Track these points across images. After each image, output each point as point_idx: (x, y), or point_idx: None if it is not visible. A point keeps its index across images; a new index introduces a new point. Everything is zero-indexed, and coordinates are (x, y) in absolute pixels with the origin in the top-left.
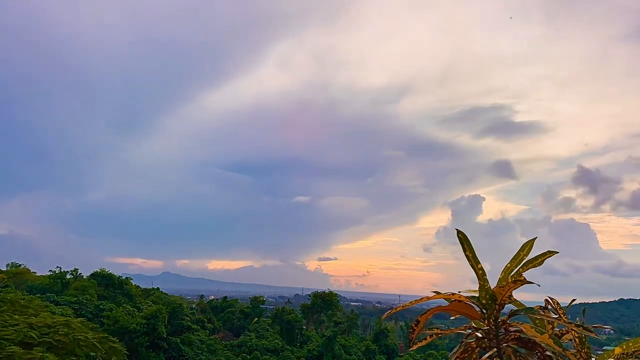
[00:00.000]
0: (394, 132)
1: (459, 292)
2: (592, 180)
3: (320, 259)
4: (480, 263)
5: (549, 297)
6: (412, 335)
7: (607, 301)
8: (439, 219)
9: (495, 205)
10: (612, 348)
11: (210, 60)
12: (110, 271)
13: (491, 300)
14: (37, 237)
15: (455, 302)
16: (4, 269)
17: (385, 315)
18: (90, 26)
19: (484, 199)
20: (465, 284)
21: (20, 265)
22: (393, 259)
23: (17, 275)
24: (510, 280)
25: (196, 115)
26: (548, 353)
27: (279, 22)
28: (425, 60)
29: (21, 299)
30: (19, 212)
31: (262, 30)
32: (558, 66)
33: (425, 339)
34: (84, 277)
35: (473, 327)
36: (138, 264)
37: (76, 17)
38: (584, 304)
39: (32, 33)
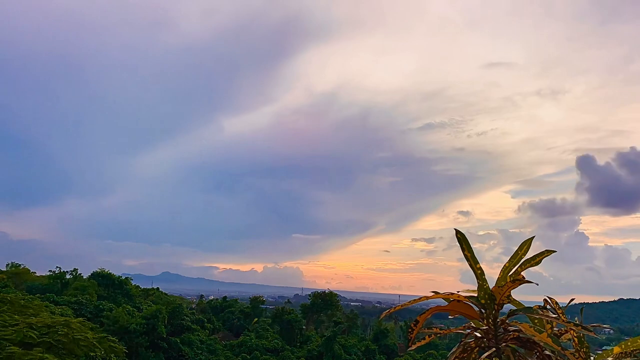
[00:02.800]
0: (395, 143)
1: (458, 291)
2: None
3: (319, 261)
4: (479, 263)
5: (548, 297)
6: (411, 335)
7: (606, 301)
8: (433, 223)
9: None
10: (611, 348)
11: (226, 87)
12: (110, 271)
13: (490, 300)
14: (59, 241)
15: (454, 302)
16: (4, 269)
17: (383, 315)
18: (117, 51)
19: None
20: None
21: (20, 265)
22: (391, 260)
23: (16, 275)
24: (508, 280)
25: (201, 133)
26: (547, 352)
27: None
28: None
29: (21, 299)
30: (44, 219)
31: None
32: None
33: (424, 338)
34: (84, 277)
35: (472, 326)
36: (138, 264)
37: (105, 43)
38: (583, 303)
39: (63, 59)
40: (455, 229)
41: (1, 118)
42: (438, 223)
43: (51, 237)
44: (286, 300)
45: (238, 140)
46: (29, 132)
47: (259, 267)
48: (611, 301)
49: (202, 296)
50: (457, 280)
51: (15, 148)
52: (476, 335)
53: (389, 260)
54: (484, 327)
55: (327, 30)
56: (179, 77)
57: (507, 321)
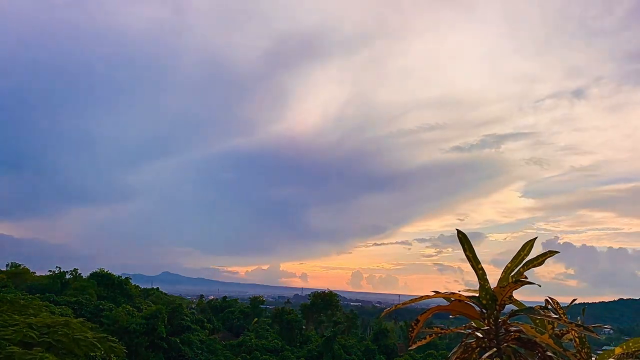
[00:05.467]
0: (402, 149)
1: (459, 291)
2: None
3: (319, 262)
4: (480, 263)
5: (549, 297)
6: (412, 335)
7: (607, 301)
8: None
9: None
10: (611, 348)
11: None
12: (110, 271)
13: (491, 300)
14: (66, 243)
15: (456, 302)
16: (4, 269)
17: (384, 313)
18: (144, 56)
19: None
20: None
21: (20, 265)
22: (392, 260)
23: (16, 275)
24: (510, 281)
25: (206, 144)
26: (548, 353)
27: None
28: None
29: (21, 299)
30: (58, 225)
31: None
32: None
33: (425, 338)
34: (83, 277)
35: (473, 326)
36: (138, 264)
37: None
38: (584, 304)
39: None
40: (457, 230)
41: (26, 138)
42: (442, 225)
43: (61, 240)
44: (286, 300)
45: (242, 150)
46: (50, 150)
47: (259, 268)
48: (611, 301)
49: (202, 296)
50: (454, 281)
51: (36, 164)
52: (477, 336)
53: (390, 261)
54: (485, 328)
55: (332, 50)
56: (186, 97)
57: (508, 321)
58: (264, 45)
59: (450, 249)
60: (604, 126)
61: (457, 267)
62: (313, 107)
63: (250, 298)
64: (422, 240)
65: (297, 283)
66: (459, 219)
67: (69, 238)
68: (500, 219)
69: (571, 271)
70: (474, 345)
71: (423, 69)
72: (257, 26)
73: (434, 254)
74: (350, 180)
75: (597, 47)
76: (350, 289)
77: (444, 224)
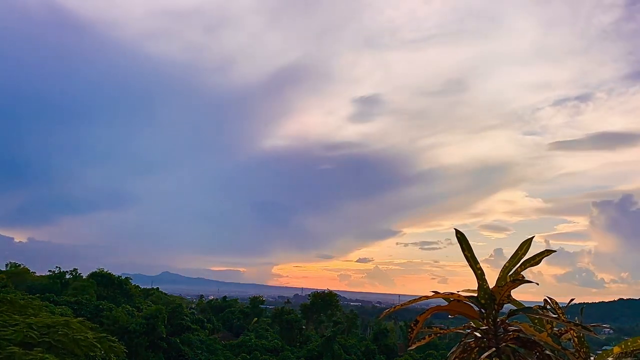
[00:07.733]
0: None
1: (458, 291)
2: None
3: (320, 263)
4: (478, 263)
5: (548, 297)
6: (411, 335)
7: (606, 301)
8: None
9: None
10: (611, 348)
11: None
12: (110, 271)
13: (490, 299)
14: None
15: (454, 302)
16: (4, 269)
17: (383, 314)
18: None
19: None
20: None
21: (19, 265)
22: (392, 261)
23: (16, 275)
24: (508, 280)
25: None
26: (547, 352)
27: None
28: None
29: (21, 299)
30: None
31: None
32: None
33: (424, 338)
34: (83, 277)
35: (472, 326)
36: (138, 264)
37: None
38: (583, 303)
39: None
40: (455, 229)
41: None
42: (443, 225)
43: (61, 241)
44: (286, 300)
45: (244, 156)
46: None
47: (259, 268)
48: (611, 301)
49: (202, 296)
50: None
51: (40, 170)
52: (476, 335)
53: (391, 261)
54: (484, 327)
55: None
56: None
57: (507, 321)
58: (269, 69)
59: (449, 250)
60: (612, 129)
61: (455, 267)
62: (313, 113)
63: (250, 298)
64: (423, 241)
65: (297, 283)
66: (463, 220)
67: (70, 238)
68: (508, 218)
69: (573, 271)
70: (473, 345)
71: (430, 73)
72: (256, 60)
73: (434, 254)
74: (351, 182)
75: (608, 50)
76: (350, 289)
77: (446, 224)
